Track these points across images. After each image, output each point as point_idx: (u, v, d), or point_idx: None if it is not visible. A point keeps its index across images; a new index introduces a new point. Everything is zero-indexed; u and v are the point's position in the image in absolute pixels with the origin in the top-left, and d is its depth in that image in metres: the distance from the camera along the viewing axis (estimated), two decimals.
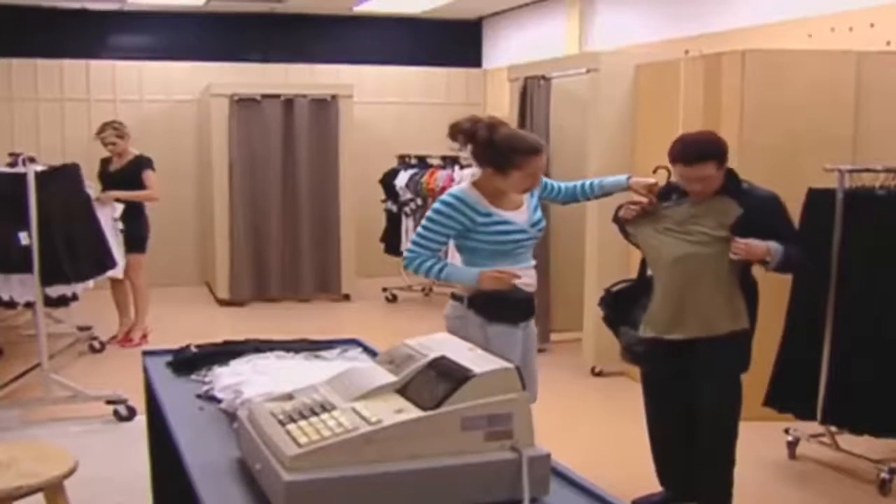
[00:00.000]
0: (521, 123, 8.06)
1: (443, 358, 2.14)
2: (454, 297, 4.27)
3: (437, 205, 4.21)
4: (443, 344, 2.25)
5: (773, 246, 4.16)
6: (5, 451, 3.62)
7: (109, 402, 6.23)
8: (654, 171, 4.69)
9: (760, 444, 5.70)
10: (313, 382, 2.26)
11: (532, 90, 7.99)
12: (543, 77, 7.97)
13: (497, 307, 4.14)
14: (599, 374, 7.33)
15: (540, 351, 7.49)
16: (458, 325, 4.13)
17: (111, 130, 8.18)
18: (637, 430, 5.78)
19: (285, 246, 10.40)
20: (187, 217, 11.39)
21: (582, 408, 6.68)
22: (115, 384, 6.46)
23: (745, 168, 6.01)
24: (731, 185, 4.32)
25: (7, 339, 8.24)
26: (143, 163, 8.16)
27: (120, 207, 7.77)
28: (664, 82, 6.81)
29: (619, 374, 7.23)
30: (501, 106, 10.24)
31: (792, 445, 5.61)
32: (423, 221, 4.22)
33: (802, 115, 6.05)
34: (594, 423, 6.38)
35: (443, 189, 9.47)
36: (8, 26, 10.79)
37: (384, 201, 10.55)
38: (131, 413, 6.15)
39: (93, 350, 8.12)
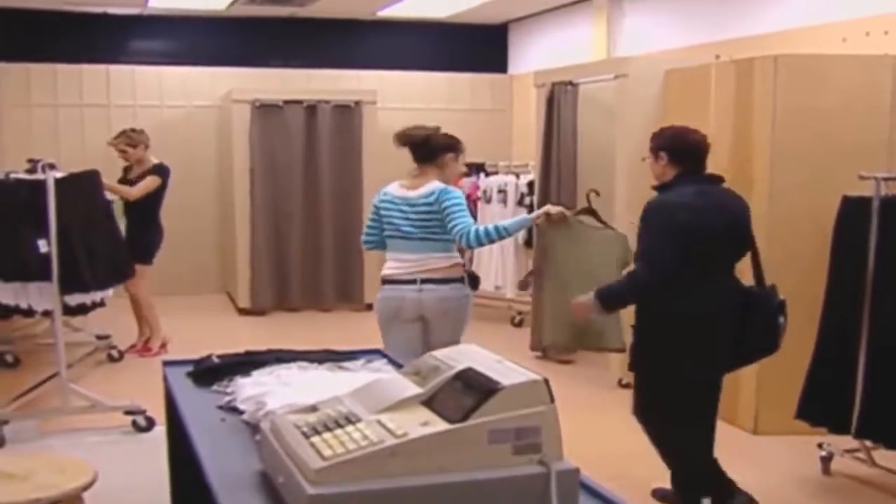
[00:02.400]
0: (548, 130, 8.06)
1: (469, 369, 2.13)
2: (451, 280, 5.07)
3: (459, 193, 5.15)
4: (469, 355, 2.25)
5: (599, 293, 4.45)
6: (22, 463, 3.63)
7: (128, 413, 6.24)
8: (587, 195, 5.40)
9: (793, 458, 5.67)
10: (337, 394, 2.26)
11: (559, 96, 7.99)
12: (570, 83, 7.96)
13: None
14: (627, 387, 7.28)
15: (566, 362, 7.57)
16: (464, 302, 5.13)
17: (123, 138, 8.19)
18: None
19: (307, 254, 10.43)
20: (207, 225, 11.43)
21: (608, 421, 6.65)
22: (133, 394, 6.47)
23: (777, 176, 6.03)
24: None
25: (24, 348, 8.27)
26: (155, 170, 8.13)
27: (122, 218, 7.78)
28: (694, 88, 6.78)
29: None
30: (527, 112, 10.23)
31: (826, 461, 5.55)
32: (457, 205, 5.02)
33: (836, 121, 6.02)
34: (621, 436, 6.35)
35: (467, 196, 9.47)
36: (27, 31, 10.86)
37: None
38: (150, 424, 6.16)
39: (111, 359, 8.16)
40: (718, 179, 4.60)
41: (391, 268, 5.14)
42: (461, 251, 5.22)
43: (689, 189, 4.42)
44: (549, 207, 5.21)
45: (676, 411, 4.49)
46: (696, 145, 4.53)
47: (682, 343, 4.39)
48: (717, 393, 4.55)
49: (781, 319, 4.46)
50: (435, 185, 5.10)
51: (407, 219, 5.09)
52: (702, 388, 4.50)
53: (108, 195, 7.18)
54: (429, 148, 5.24)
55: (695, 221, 4.32)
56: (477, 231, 4.91)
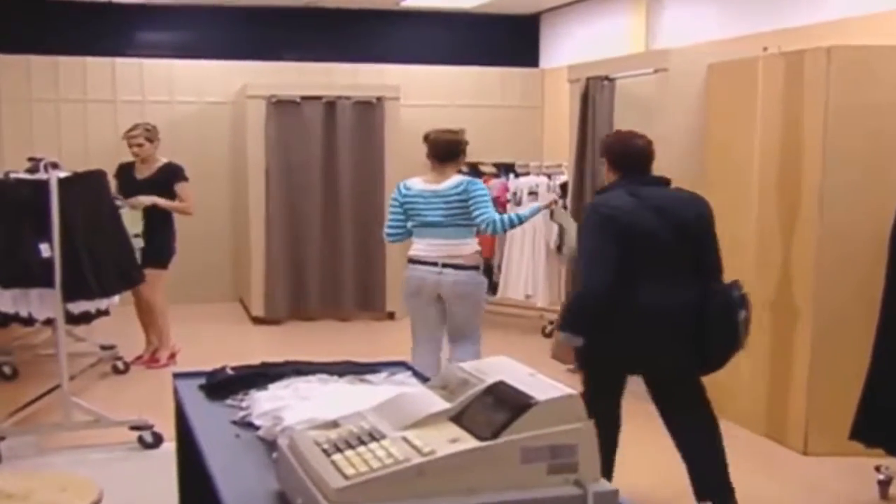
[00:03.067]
0: (583, 127, 8.05)
1: (501, 383, 2.13)
2: (469, 267, 6.16)
3: (483, 184, 6.16)
4: (501, 368, 2.24)
5: (562, 328, 4.80)
6: (21, 482, 3.64)
7: (134, 428, 6.26)
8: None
9: (847, 482, 5.63)
10: (360, 409, 2.25)
11: (594, 91, 7.98)
12: (607, 77, 7.95)
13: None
14: None
15: None
16: (479, 288, 6.29)
17: (142, 129, 8.24)
18: None
19: (325, 260, 10.45)
20: (220, 228, 11.46)
21: (648, 437, 6.62)
22: (140, 408, 6.50)
23: (829, 177, 6.00)
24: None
25: (23, 359, 8.30)
26: (175, 172, 8.20)
27: (141, 223, 7.81)
28: (740, 82, 6.76)
29: None
30: (560, 109, 10.22)
31: (884, 485, 5.50)
32: (483, 195, 6.16)
33: (892, 116, 5.98)
34: (661, 454, 6.31)
35: (496, 198, 9.47)
36: (27, 20, 10.92)
37: None
38: (157, 440, 6.19)
39: (116, 371, 8.18)
40: (663, 182, 4.92)
41: (418, 249, 6.27)
42: (490, 253, 5.85)
43: (623, 192, 4.76)
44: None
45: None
46: (636, 151, 4.89)
47: (623, 341, 4.73)
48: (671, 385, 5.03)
49: (743, 315, 4.69)
50: (459, 177, 6.29)
51: (436, 209, 6.19)
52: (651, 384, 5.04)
53: (119, 202, 7.22)
54: (456, 150, 6.37)
55: (626, 223, 4.63)
56: (501, 219, 6.12)
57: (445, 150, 6.31)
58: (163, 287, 8.28)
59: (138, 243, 7.65)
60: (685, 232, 4.74)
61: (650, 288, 4.64)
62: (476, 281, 6.26)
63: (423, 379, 3.04)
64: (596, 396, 4.72)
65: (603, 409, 4.80)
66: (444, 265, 6.10)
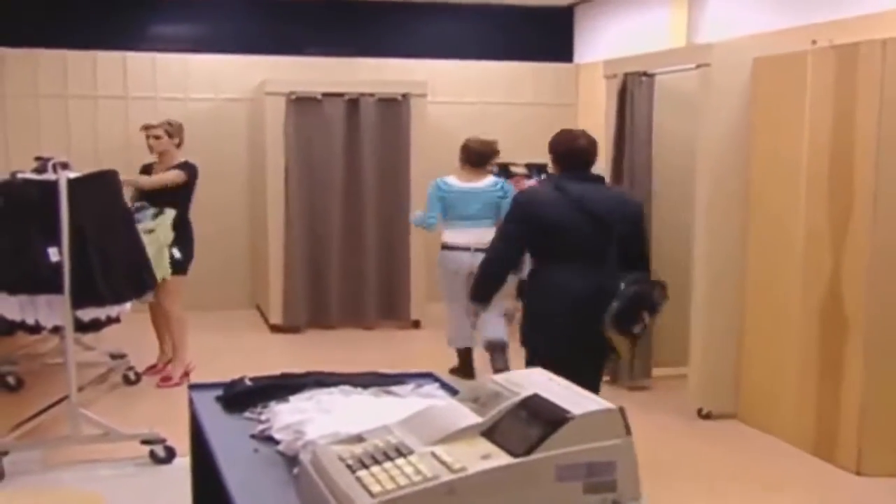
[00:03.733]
0: (619, 126, 8.03)
1: (535, 396, 2.13)
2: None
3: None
4: (535, 381, 2.25)
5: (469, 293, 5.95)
6: (26, 499, 3.66)
7: (145, 442, 6.27)
8: None
9: None
10: (386, 422, 2.26)
11: (632, 88, 7.96)
12: (645, 73, 7.94)
13: None
14: (707, 417, 7.26)
15: (640, 389, 7.59)
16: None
17: (164, 123, 8.21)
18: (753, 482, 5.72)
19: (347, 265, 10.46)
20: (236, 231, 11.46)
21: (688, 456, 6.61)
22: (151, 421, 6.52)
23: (883, 176, 5.97)
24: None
25: (29, 368, 8.31)
26: (185, 165, 8.11)
27: (171, 233, 7.81)
28: (788, 77, 6.74)
29: (729, 417, 7.19)
30: (596, 106, 10.20)
31: None
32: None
33: None
34: (702, 473, 6.31)
35: None
36: (34, 12, 10.98)
37: None
38: (170, 455, 6.19)
39: (127, 381, 8.18)
40: (597, 179, 5.71)
41: (452, 237, 8.14)
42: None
43: (550, 186, 5.73)
44: None
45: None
46: (577, 150, 5.63)
47: (537, 319, 5.61)
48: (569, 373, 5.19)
49: (616, 306, 5.29)
50: (494, 178, 8.34)
51: (473, 204, 8.09)
52: (552, 363, 5.06)
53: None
54: (490, 157, 8.33)
55: (540, 212, 5.47)
56: None
57: (481, 156, 8.23)
58: (182, 296, 8.23)
59: (175, 254, 7.78)
60: (602, 224, 5.41)
61: (562, 269, 5.45)
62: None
63: (452, 391, 3.05)
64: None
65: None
66: (476, 249, 7.39)
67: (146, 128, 8.28)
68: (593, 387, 5.23)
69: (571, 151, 5.64)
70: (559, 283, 5.46)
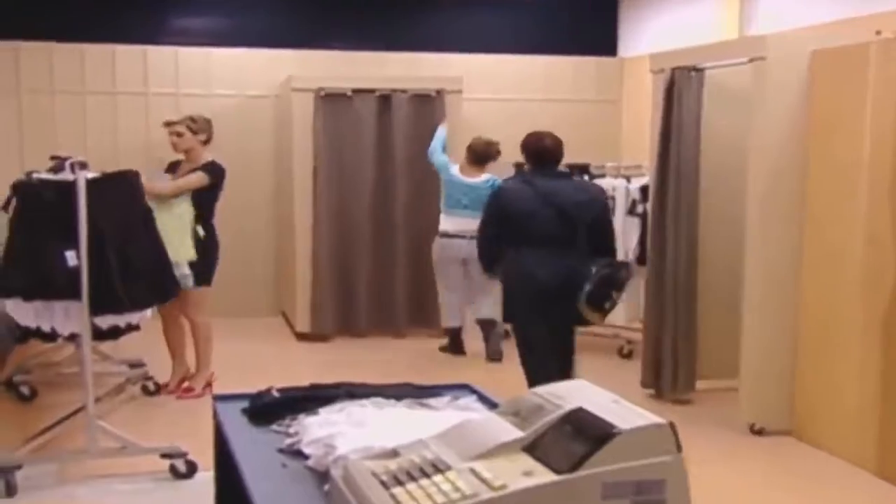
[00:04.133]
0: (666, 124, 8.00)
1: (580, 410, 2.13)
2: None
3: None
4: (579, 393, 2.24)
5: None
6: None
7: (165, 456, 6.28)
8: None
9: None
10: (421, 436, 2.26)
11: (680, 84, 7.93)
12: (695, 68, 7.91)
13: None
14: (760, 433, 7.22)
15: (684, 402, 7.57)
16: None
17: (186, 119, 8.16)
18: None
19: (377, 270, 10.49)
20: (261, 234, 11.49)
21: (740, 474, 6.59)
22: (172, 434, 6.55)
23: None
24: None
25: (43, 378, 8.35)
26: (210, 166, 8.03)
27: (192, 209, 7.80)
28: (848, 71, 6.70)
29: (784, 434, 7.14)
30: (641, 102, 10.19)
31: None
32: None
33: None
34: (756, 493, 6.29)
35: None
36: (50, 4, 11.03)
37: None
38: (191, 469, 6.21)
39: (146, 392, 8.20)
40: (564, 175, 7.25)
41: (450, 224, 9.47)
42: None
43: (520, 180, 7.16)
44: None
45: (522, 356, 7.01)
46: (544, 149, 6.94)
47: (508, 301, 7.05)
48: (545, 345, 6.87)
49: (588, 288, 6.57)
50: (488, 175, 9.39)
51: (467, 196, 9.31)
52: (526, 340, 6.98)
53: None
54: (489, 156, 9.57)
55: (511, 202, 6.83)
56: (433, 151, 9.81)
57: (481, 156, 9.54)
58: (207, 307, 8.20)
59: (198, 231, 7.83)
60: (567, 216, 6.69)
61: (530, 254, 6.69)
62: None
63: (491, 404, 3.04)
64: (527, 353, 6.96)
65: (534, 364, 6.86)
66: (471, 237, 8.08)
67: (168, 124, 8.28)
68: (566, 355, 6.95)
69: (539, 150, 6.94)
70: (527, 266, 6.69)
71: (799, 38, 7.59)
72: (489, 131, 9.80)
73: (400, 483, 2.04)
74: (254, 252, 11.44)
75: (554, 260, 6.65)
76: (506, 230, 6.82)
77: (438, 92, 10.43)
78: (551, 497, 1.94)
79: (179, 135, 8.15)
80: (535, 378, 6.63)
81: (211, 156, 8.19)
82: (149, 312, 6.66)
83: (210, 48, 11.43)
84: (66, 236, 5.93)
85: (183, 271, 7.64)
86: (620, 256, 8.82)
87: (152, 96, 11.17)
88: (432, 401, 3.08)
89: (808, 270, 7.01)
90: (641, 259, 8.89)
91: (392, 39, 11.76)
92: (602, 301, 6.66)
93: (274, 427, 3.00)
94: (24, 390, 8.10)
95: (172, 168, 8.31)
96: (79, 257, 5.94)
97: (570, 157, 10.26)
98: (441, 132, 10.00)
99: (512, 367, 7.35)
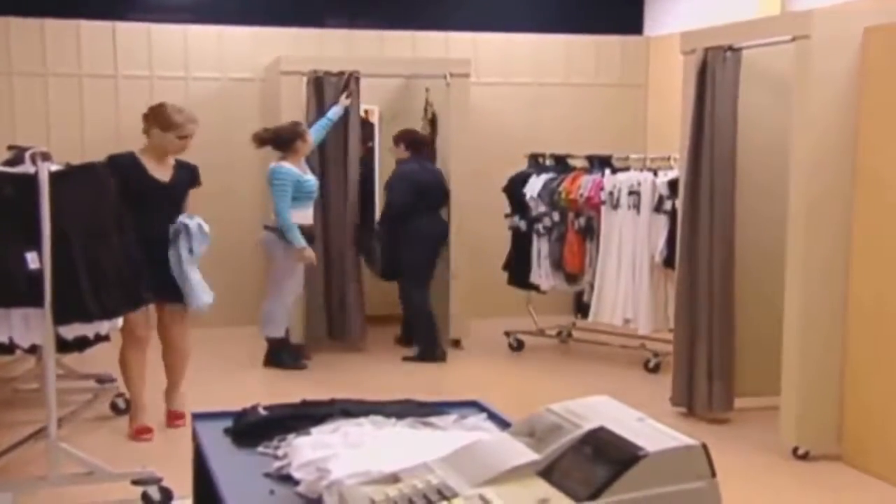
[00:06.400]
0: (699, 110, 8.00)
1: (601, 430, 2.14)
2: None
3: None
4: (601, 411, 2.25)
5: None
6: None
7: (136, 483, 6.25)
8: None
9: None
10: (425, 459, 2.27)
11: (714, 65, 7.93)
12: (730, 48, 7.91)
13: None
14: (804, 457, 7.21)
15: (720, 422, 7.54)
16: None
17: (189, 113, 7.81)
18: None
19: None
20: (245, 233, 11.29)
21: (782, 501, 6.59)
22: (144, 457, 6.55)
23: None
24: None
25: None
26: (194, 174, 7.89)
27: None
28: None
29: (833, 459, 7.13)
30: (669, 86, 10.20)
31: None
32: None
33: None
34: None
35: (588, 199, 9.47)
36: None
37: (509, 216, 10.61)
38: (167, 497, 6.21)
39: (116, 410, 8.14)
40: (430, 160, 10.43)
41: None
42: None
43: (414, 162, 10.07)
44: None
45: (413, 281, 10.15)
46: (420, 139, 10.30)
47: (415, 247, 10.05)
48: (429, 271, 10.25)
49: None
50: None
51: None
52: (422, 269, 10.17)
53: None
54: (284, 140, 9.69)
55: (415, 180, 9.95)
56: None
57: (278, 142, 9.74)
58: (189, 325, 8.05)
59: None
60: (439, 187, 10.22)
61: (425, 217, 10.05)
62: (270, 239, 9.89)
63: (502, 423, 3.05)
64: (413, 289, 10.20)
65: (421, 297, 10.19)
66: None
67: (179, 124, 7.71)
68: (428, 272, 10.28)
69: (416, 140, 10.24)
70: (424, 225, 10.04)
71: (849, 14, 7.59)
72: (502, 121, 9.83)
73: None
74: (238, 254, 11.33)
75: (437, 220, 10.32)
76: (413, 201, 10.09)
77: (445, 77, 10.39)
78: None
79: (186, 137, 7.80)
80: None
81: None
82: (119, 321, 6.60)
83: (187, 25, 11.41)
84: (27, 236, 5.89)
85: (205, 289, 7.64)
86: (646, 259, 8.87)
87: (122, 79, 11.16)
88: (437, 419, 3.09)
89: (859, 277, 7.00)
90: (669, 262, 8.89)
91: (393, 17, 11.77)
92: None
93: (260, 449, 3.01)
94: None
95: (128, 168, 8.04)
96: (41, 259, 5.89)
97: (591, 148, 10.36)
98: (332, 112, 10.07)
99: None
